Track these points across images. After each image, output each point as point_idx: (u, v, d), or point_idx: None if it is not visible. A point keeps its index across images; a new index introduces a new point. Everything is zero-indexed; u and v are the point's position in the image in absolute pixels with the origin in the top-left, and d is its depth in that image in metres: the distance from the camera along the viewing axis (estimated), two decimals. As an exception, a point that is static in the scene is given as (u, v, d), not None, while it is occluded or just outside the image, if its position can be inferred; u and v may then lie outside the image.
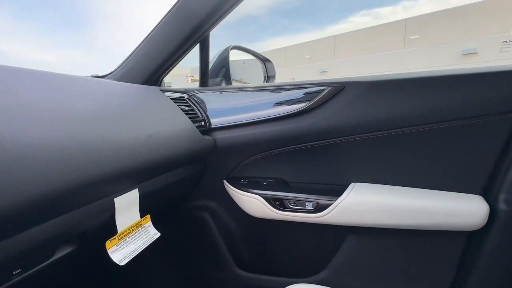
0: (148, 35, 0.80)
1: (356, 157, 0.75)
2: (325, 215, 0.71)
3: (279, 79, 1.21)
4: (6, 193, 0.31)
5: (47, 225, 0.39)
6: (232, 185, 0.82)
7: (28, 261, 0.41)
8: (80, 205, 0.44)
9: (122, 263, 0.49)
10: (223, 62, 1.01)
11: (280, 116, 0.74)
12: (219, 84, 1.02)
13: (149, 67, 0.81)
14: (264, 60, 1.19)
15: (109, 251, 0.49)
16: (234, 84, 1.06)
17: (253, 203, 0.78)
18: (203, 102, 0.85)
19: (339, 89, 0.70)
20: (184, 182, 0.77)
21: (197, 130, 0.72)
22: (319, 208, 0.72)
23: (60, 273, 0.60)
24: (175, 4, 0.74)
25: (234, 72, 1.06)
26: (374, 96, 0.68)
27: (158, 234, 0.61)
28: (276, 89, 0.78)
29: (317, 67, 11.00)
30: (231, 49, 1.02)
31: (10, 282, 0.38)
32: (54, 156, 0.37)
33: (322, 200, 0.72)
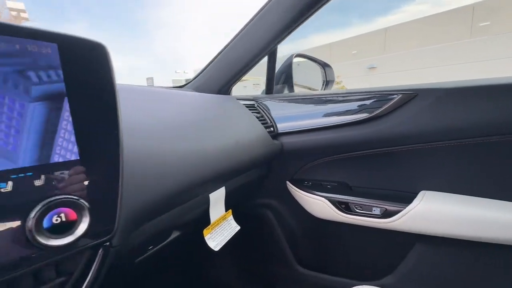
0: (225, 48, 0.89)
1: (427, 165, 0.73)
2: (394, 221, 0.72)
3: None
4: (153, 190, 0.41)
5: (168, 215, 0.50)
6: (296, 187, 0.88)
7: (156, 241, 0.52)
8: (188, 199, 0.54)
9: (217, 249, 0.58)
10: (286, 69, 1.06)
11: (347, 123, 0.77)
12: (282, 90, 1.08)
13: (224, 77, 0.91)
14: (324, 65, 1.21)
15: (205, 238, 0.59)
16: (296, 89, 1.11)
17: (318, 205, 0.83)
18: (269, 108, 0.92)
19: (411, 96, 0.70)
20: (253, 182, 0.85)
21: (268, 135, 0.79)
22: (387, 214, 0.73)
23: (170, 252, 0.73)
24: (252, 19, 0.81)
25: (295, 77, 1.11)
26: (452, 104, 0.66)
27: (238, 228, 0.70)
28: (344, 96, 0.81)
29: (365, 63, 10.38)
30: (295, 56, 1.07)
31: (146, 255, 0.50)
32: (178, 161, 0.47)
33: (390, 206, 0.73)
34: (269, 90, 0.99)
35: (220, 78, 0.91)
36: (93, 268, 0.31)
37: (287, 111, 0.90)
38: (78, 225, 0.28)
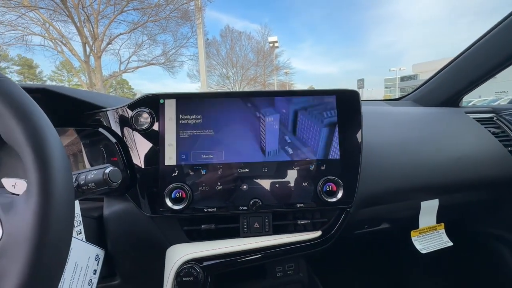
0: (457, 58, 0.85)
1: None
2: None
3: None
4: (375, 186, 0.58)
5: (382, 207, 0.65)
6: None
7: (370, 224, 0.70)
8: (400, 200, 0.66)
9: (423, 252, 0.65)
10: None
11: None
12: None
13: (452, 88, 0.87)
14: None
15: (412, 239, 0.68)
16: None
17: None
18: (518, 122, 0.76)
19: None
20: (479, 204, 0.76)
21: (509, 154, 0.68)
22: None
23: (376, 240, 0.90)
24: (498, 24, 0.73)
25: None
26: None
27: (450, 243, 0.70)
28: None
29: None
30: None
31: (362, 231, 0.69)
32: (396, 170, 0.61)
33: None
34: (521, 99, 0.80)
35: (448, 88, 0.88)
36: (340, 220, 0.55)
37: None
38: (337, 194, 0.52)
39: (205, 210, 0.50)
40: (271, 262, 0.57)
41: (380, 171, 0.59)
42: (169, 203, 0.49)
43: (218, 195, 0.51)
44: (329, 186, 0.53)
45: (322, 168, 0.53)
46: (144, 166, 0.51)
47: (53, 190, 0.25)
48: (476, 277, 0.90)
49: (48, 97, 0.50)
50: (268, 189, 0.52)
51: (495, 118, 0.79)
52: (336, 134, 0.54)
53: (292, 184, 0.52)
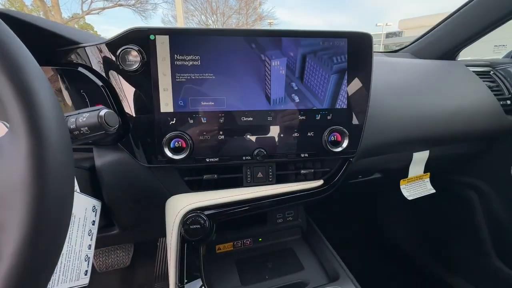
0: (456, 11, 0.81)
1: None
2: None
3: None
4: (375, 138, 0.58)
5: (377, 158, 0.66)
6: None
7: (363, 173, 0.72)
8: (395, 151, 0.67)
9: (410, 198, 0.70)
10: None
11: None
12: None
13: (450, 42, 0.84)
14: None
15: (401, 187, 0.72)
16: None
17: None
18: (510, 77, 0.77)
19: None
20: (463, 156, 0.81)
21: (501, 108, 0.70)
22: None
23: (364, 189, 0.95)
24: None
25: None
26: None
27: (433, 191, 0.75)
28: None
29: None
30: None
31: (355, 180, 0.72)
32: (394, 121, 0.60)
33: None
34: (518, 53, 0.80)
35: (444, 43, 0.86)
36: (342, 170, 0.55)
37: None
38: (342, 144, 0.52)
39: (207, 160, 0.48)
40: (272, 210, 0.58)
41: (380, 122, 0.59)
42: (168, 153, 0.46)
43: (220, 144, 0.48)
44: (334, 136, 0.52)
45: (329, 117, 0.51)
46: (137, 113, 0.46)
47: (44, 127, 0.20)
48: (448, 220, 1.02)
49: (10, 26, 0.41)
50: (273, 138, 0.50)
51: (491, 72, 0.79)
52: (345, 82, 0.51)
53: (297, 134, 0.51)
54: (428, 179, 0.76)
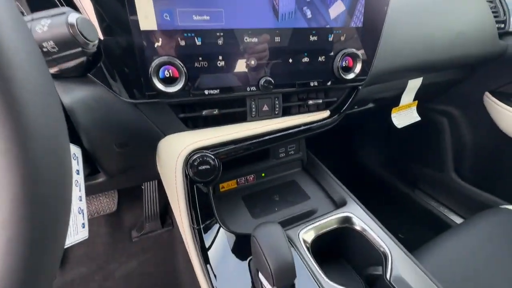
0: None
1: None
2: None
3: None
4: (385, 64, 0.54)
5: (375, 87, 0.64)
6: (499, 100, 0.79)
7: (359, 104, 0.70)
8: (392, 79, 0.65)
9: (399, 126, 0.72)
10: None
11: None
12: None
13: None
14: None
15: (392, 115, 0.73)
16: None
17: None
18: (508, -4, 0.74)
19: None
20: (447, 83, 0.83)
21: (496, 32, 0.69)
22: None
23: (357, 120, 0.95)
24: None
25: None
26: None
27: (418, 118, 0.78)
28: None
29: None
30: None
31: (352, 111, 0.71)
32: (414, 41, 0.56)
33: None
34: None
35: None
36: (351, 98, 0.52)
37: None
38: (354, 69, 0.47)
39: (206, 93, 0.40)
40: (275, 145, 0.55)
41: (393, 46, 0.54)
42: (159, 85, 0.37)
43: (220, 73, 0.40)
44: (345, 61, 0.46)
45: (342, 38, 0.44)
46: (107, 32, 0.34)
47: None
48: (418, 145, 1.11)
49: None
50: (281, 65, 0.43)
51: (491, -10, 0.74)
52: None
53: (307, 59, 0.44)
54: (415, 107, 0.78)
